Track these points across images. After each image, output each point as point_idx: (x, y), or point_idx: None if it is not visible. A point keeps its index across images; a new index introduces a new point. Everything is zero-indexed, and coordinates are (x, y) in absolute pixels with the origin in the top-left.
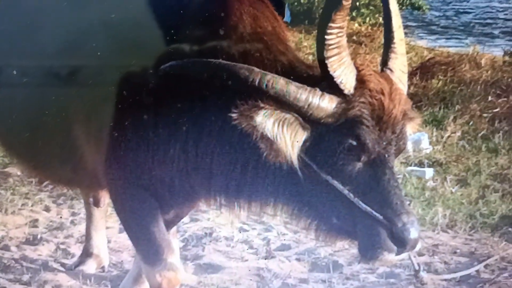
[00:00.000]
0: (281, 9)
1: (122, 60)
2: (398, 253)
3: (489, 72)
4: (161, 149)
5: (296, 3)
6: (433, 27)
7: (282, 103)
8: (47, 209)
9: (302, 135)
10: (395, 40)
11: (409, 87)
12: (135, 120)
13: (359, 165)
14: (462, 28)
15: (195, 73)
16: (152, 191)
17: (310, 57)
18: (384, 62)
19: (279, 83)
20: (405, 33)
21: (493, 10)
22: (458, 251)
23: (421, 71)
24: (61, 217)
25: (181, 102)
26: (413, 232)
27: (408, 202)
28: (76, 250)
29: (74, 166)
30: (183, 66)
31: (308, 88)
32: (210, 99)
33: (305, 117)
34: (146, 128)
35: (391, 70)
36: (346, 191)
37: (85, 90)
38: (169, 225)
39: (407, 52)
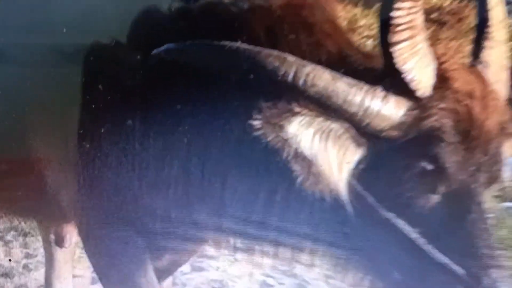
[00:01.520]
0: None
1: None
2: None
3: None
4: (152, 168)
5: None
6: None
7: (326, 108)
8: None
9: (354, 154)
10: (492, 22)
11: (510, 90)
12: (115, 126)
13: (434, 198)
14: None
15: (202, 61)
16: (138, 228)
17: (369, 42)
18: (476, 53)
19: (322, 79)
20: (508, 12)
21: None
22: None
23: None
24: (10, 260)
25: (181, 102)
26: None
27: (500, 252)
28: None
29: (29, 189)
30: (184, 51)
31: (365, 87)
32: (223, 99)
33: (360, 128)
34: (130, 138)
35: (485, 64)
36: (414, 235)
37: (41, 81)
38: (162, 275)
39: (510, 39)
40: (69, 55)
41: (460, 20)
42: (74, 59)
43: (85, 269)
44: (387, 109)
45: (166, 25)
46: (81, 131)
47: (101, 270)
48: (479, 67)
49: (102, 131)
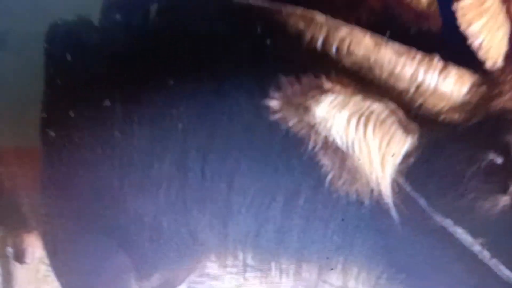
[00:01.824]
0: None
1: None
2: None
3: None
4: (137, 164)
5: None
6: None
7: (366, 84)
8: None
9: (402, 144)
10: None
11: None
12: (88, 109)
13: (504, 200)
14: None
15: (202, 23)
16: (120, 239)
17: None
18: None
19: (362, 45)
20: None
21: None
22: None
23: None
24: None
25: (175, 78)
26: None
27: None
28: None
29: None
30: (179, 8)
31: (418, 56)
32: (230, 73)
33: (410, 110)
34: (109, 125)
35: None
36: (477, 247)
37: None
38: None
39: None
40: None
41: None
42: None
43: None
44: (446, 85)
45: None
46: (45, 115)
47: None
48: None
49: (72, 115)
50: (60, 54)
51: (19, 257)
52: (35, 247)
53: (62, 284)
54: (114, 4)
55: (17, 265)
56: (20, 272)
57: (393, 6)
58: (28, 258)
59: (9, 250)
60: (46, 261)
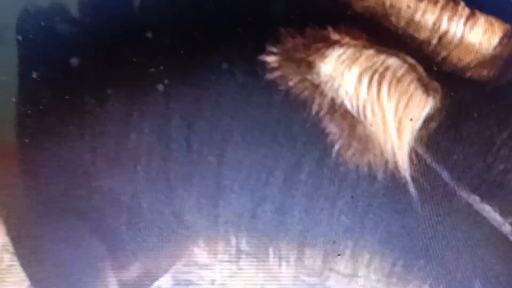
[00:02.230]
0: None
1: None
2: None
3: None
4: (112, 134)
5: None
6: None
7: (381, 34)
8: None
9: (422, 107)
10: None
11: None
12: (53, 67)
13: None
14: None
15: None
16: (93, 223)
17: None
18: None
19: None
20: None
21: None
22: None
23: None
24: None
25: (152, 29)
26: None
27: None
28: None
29: None
30: None
31: (441, 0)
32: (218, 23)
33: (432, 65)
34: (76, 87)
35: None
36: (507, 227)
37: None
38: None
39: None
40: None
41: None
42: None
43: (19, 283)
44: (474, 36)
45: None
46: (4, 78)
47: (41, 286)
48: None
49: (35, 75)
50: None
51: None
52: None
53: (28, 274)
54: None
55: None
56: None
57: None
58: None
59: None
60: (10, 249)
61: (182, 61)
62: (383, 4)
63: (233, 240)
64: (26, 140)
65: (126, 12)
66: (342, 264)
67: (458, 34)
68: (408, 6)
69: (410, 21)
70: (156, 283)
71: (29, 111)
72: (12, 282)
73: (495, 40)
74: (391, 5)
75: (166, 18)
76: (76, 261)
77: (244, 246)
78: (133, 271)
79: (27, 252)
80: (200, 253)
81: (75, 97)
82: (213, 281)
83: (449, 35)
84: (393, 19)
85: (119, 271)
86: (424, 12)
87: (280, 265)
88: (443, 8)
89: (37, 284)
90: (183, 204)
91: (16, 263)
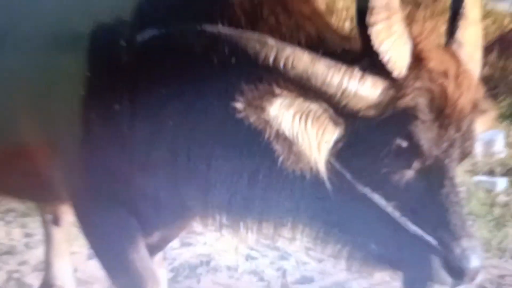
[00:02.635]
0: None
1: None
2: (453, 286)
3: None
4: (141, 151)
5: None
6: None
7: (306, 89)
8: None
9: (332, 133)
10: (466, 2)
11: (482, 68)
12: (103, 110)
13: (409, 173)
14: None
15: (186, 46)
16: (129, 207)
17: (347, 24)
18: (451, 33)
19: (302, 61)
20: None
21: None
22: None
23: (500, 45)
24: (11, 239)
25: (166, 87)
26: (474, 260)
27: (471, 223)
28: (33, 280)
29: (24, 172)
30: (168, 36)
31: (343, 68)
32: (206, 82)
33: (338, 108)
34: (119, 121)
35: (459, 43)
36: (390, 208)
37: (33, 67)
38: (153, 250)
39: (483, 19)
40: (67, 41)
41: (435, 0)
42: (72, 45)
43: (82, 246)
44: (364, 90)
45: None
46: (72, 116)
47: (96, 248)
48: (454, 46)
49: (92, 115)
50: (90, 82)
51: (56, 221)
52: (67, 214)
53: (89, 241)
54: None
55: (55, 227)
56: (57, 233)
57: (324, 32)
58: (63, 222)
59: (49, 216)
60: (77, 224)
61: (183, 107)
62: (307, 71)
63: (217, 217)
64: (88, 156)
65: (149, 76)
66: (286, 232)
67: (354, 89)
68: (322, 73)
69: (324, 81)
70: (169, 245)
71: (90, 139)
72: (78, 245)
73: (377, 92)
74: (312, 72)
75: (173, 81)
76: (118, 232)
77: (224, 221)
78: (155, 237)
79: (87, 227)
80: (197, 225)
81: (118, 129)
82: (205, 243)
83: (348, 90)
84: (313, 80)
85: (146, 237)
86: (332, 76)
87: (247, 233)
88: (344, 73)
89: (93, 247)
90: (185, 195)
91: (80, 233)
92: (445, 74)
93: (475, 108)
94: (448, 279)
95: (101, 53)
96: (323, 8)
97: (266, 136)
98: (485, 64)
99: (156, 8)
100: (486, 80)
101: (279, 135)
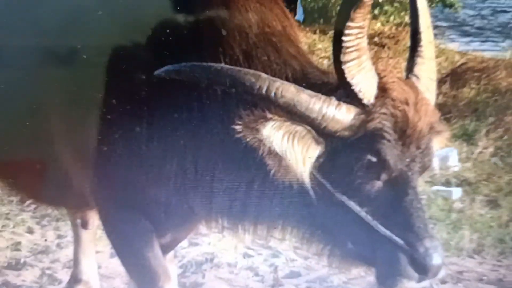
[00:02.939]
0: (293, 6)
1: (114, 61)
2: (419, 281)
3: None
4: (156, 165)
5: (310, 0)
6: (467, 28)
7: (292, 114)
8: (30, 231)
9: (315, 150)
10: (422, 43)
11: (437, 97)
12: (126, 132)
13: (378, 184)
14: (499, 29)
15: (194, 79)
16: (146, 212)
17: (325, 62)
18: (410, 68)
19: (289, 91)
20: (435, 35)
21: None
22: (484, 278)
23: (452, 78)
24: (46, 240)
25: (178, 112)
26: (436, 258)
27: (432, 226)
28: (64, 275)
29: (58, 183)
30: (180, 71)
31: (323, 97)
32: (211, 108)
33: (319, 129)
34: (139, 141)
35: (417, 77)
36: (363, 213)
37: (68, 98)
38: (165, 249)
39: (437, 57)
40: (63, 56)
41: (397, 42)
42: (68, 60)
43: (105, 246)
44: (340, 115)
45: (177, 39)
46: (99, 136)
47: (117, 247)
48: (413, 79)
49: (116, 136)
50: (115, 109)
51: (84, 225)
52: (94, 219)
53: (111, 241)
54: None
55: (83, 230)
56: (85, 235)
57: (307, 68)
58: (90, 225)
59: (78, 221)
60: (101, 227)
61: (192, 128)
62: (293, 100)
63: (220, 221)
64: (111, 170)
65: (164, 104)
66: (277, 233)
67: (332, 115)
68: (306, 101)
69: (307, 108)
70: (179, 244)
71: (114, 155)
72: (102, 245)
73: (351, 117)
74: (297, 100)
75: (184, 108)
76: (136, 233)
77: (225, 224)
78: (167, 237)
79: (110, 229)
80: (202, 228)
81: (137, 147)
82: (209, 243)
83: (327, 115)
84: (298, 107)
85: (159, 238)
86: (314, 103)
87: (244, 234)
88: (323, 101)
89: (115, 246)
90: (193, 202)
91: (104, 235)
92: (406, 102)
93: (432, 129)
94: (414, 274)
95: (123, 83)
96: (306, 49)
97: (260, 152)
98: (439, 93)
99: (168, 45)
100: (441, 106)
101: (271, 152)
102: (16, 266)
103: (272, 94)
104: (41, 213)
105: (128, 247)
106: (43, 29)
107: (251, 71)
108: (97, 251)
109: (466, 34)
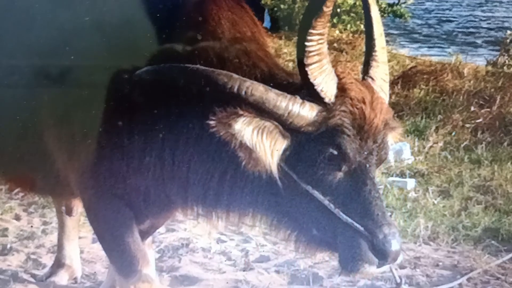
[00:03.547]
0: (260, 15)
1: (99, 62)
2: (379, 266)
3: (471, 82)
4: (136, 157)
5: (276, 9)
6: (415, 36)
7: (261, 111)
8: (17, 217)
9: (282, 144)
10: (376, 48)
11: (390, 96)
12: (109, 127)
13: (339, 175)
14: (444, 37)
15: (172, 79)
16: (126, 200)
17: (290, 64)
18: (366, 71)
19: (258, 90)
20: (387, 41)
21: (476, 19)
22: (440, 264)
23: (403, 80)
24: (32, 226)
25: (157, 109)
26: (395, 244)
27: (389, 214)
28: (48, 260)
29: (46, 174)
30: (159, 72)
31: (288, 96)
32: (187, 105)
33: (285, 125)
34: (121, 135)
35: (372, 78)
36: (326, 202)
37: (57, 94)
38: (144, 235)
39: (389, 61)
40: (55, 76)
41: (354, 47)
42: (60, 80)
43: (88, 232)
44: (304, 112)
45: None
46: (84, 130)
47: (99, 233)
48: (369, 80)
49: (100, 130)
50: (99, 105)
51: (69, 212)
52: (78, 206)
53: (94, 228)
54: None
55: (67, 217)
56: (69, 221)
57: (274, 69)
58: (74, 212)
59: (63, 208)
60: (84, 214)
61: (169, 123)
62: (262, 98)
63: (195, 208)
64: (95, 161)
65: (147, 109)
66: (247, 220)
67: (297, 111)
68: (273, 99)
69: (274, 105)
70: (157, 230)
71: (97, 148)
72: (85, 231)
73: (314, 114)
74: (266, 98)
75: (162, 106)
76: (117, 220)
77: (200, 211)
78: (146, 224)
79: (92, 216)
80: (179, 215)
81: (119, 140)
82: (185, 229)
83: (292, 112)
84: (266, 104)
85: (139, 225)
86: (281, 101)
87: (218, 221)
88: (289, 100)
89: (97, 232)
90: (170, 191)
91: (87, 221)
92: (363, 100)
93: (387, 125)
94: (375, 259)
95: (107, 83)
96: (273, 53)
97: (232, 145)
98: (392, 93)
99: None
100: (394, 105)
101: (242, 145)
102: (2, 251)
103: (243, 93)
104: (28, 200)
105: (110, 233)
106: (36, 50)
107: (224, 72)
108: (80, 236)
109: (415, 40)
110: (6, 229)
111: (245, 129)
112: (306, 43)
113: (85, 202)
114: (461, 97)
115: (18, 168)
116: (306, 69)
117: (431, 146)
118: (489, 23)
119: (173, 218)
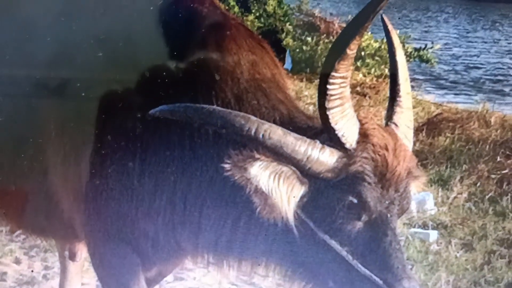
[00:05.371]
0: (282, 55)
1: (111, 100)
2: None
3: (498, 131)
4: (146, 200)
5: (298, 50)
6: (442, 82)
7: (279, 155)
8: (17, 261)
9: (299, 190)
10: (401, 93)
11: (414, 144)
12: (119, 167)
13: (359, 224)
14: (471, 83)
15: (187, 119)
16: (134, 246)
17: (311, 108)
18: (389, 116)
19: (276, 134)
20: (412, 87)
21: (504, 67)
22: None
23: (428, 127)
24: (32, 271)
25: (170, 150)
26: None
27: (410, 267)
28: None
29: (49, 215)
30: (173, 111)
31: (308, 140)
32: (202, 147)
33: (303, 171)
34: (131, 176)
35: (396, 124)
36: (344, 252)
37: (65, 132)
38: (151, 283)
39: (414, 107)
40: (53, 88)
41: (377, 92)
42: (57, 92)
43: (91, 278)
44: (324, 157)
45: (171, 81)
46: (92, 170)
47: (103, 279)
48: (392, 127)
49: (109, 170)
50: (104, 134)
51: (72, 257)
52: (82, 251)
53: (98, 274)
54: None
55: (70, 262)
56: (72, 267)
57: (294, 112)
58: (78, 257)
59: (66, 252)
60: (88, 259)
61: (183, 166)
62: (280, 142)
63: (205, 256)
64: (102, 203)
65: (157, 145)
66: (260, 270)
67: (316, 157)
68: (292, 143)
69: (293, 150)
70: (165, 279)
71: (105, 189)
72: (88, 278)
73: (334, 159)
74: (284, 142)
75: (176, 146)
76: (123, 266)
77: (211, 259)
78: (153, 271)
79: (97, 261)
80: (188, 262)
81: (129, 182)
82: (194, 278)
83: (311, 157)
84: (284, 149)
85: (146, 272)
86: (299, 146)
87: (229, 269)
88: (308, 144)
89: (101, 279)
90: (180, 237)
91: (91, 267)
92: (386, 147)
93: (410, 174)
94: None
95: (119, 120)
96: (293, 95)
97: (247, 190)
98: (416, 141)
99: (161, 85)
100: (418, 153)
101: (257, 190)
102: None
103: (260, 136)
104: (30, 243)
105: (115, 280)
106: (36, 62)
107: (241, 113)
108: (83, 283)
109: (441, 87)
110: (5, 273)
111: (262, 173)
112: (328, 86)
113: (90, 246)
114: (487, 147)
115: (20, 208)
116: (327, 113)
117: (455, 197)
118: None
119: (182, 266)
